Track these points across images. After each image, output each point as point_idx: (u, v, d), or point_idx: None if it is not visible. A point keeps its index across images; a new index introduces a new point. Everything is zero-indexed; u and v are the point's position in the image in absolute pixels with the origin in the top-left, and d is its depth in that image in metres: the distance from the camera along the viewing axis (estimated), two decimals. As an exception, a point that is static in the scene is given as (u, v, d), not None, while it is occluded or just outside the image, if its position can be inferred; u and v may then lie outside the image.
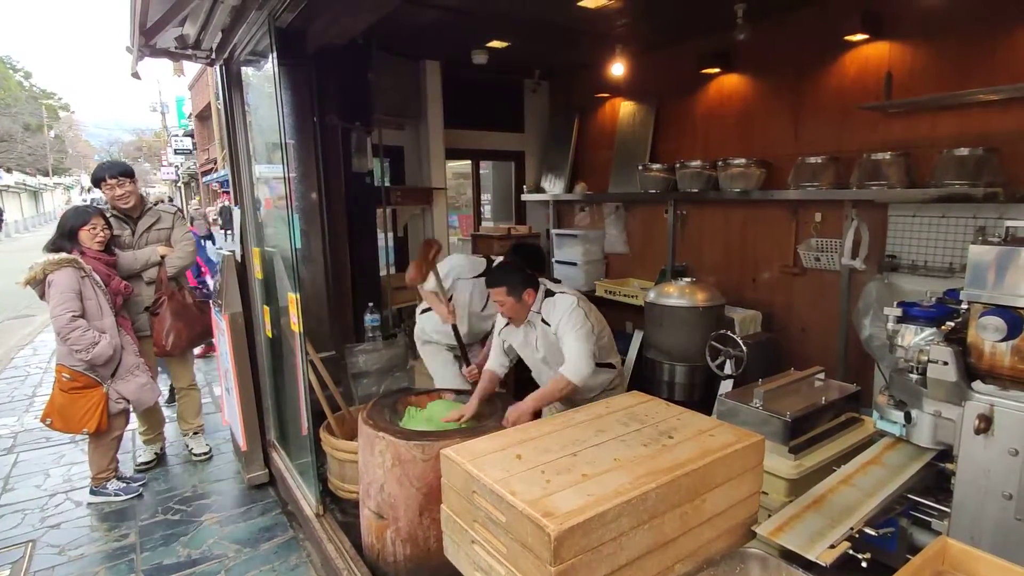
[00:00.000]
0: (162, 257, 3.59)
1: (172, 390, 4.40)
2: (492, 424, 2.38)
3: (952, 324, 1.64)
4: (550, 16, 3.83)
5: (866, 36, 3.32)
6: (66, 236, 3.21)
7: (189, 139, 29.46)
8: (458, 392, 2.89)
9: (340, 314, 4.06)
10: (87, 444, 3.36)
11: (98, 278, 3.17)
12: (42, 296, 3.08)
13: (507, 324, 2.80)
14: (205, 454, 3.88)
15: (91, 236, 3.22)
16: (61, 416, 3.13)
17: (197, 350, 4.24)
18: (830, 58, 3.54)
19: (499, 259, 3.32)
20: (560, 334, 2.59)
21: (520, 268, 2.72)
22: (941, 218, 3.07)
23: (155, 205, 3.78)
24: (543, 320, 2.66)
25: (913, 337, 1.73)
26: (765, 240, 4.02)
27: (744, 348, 3.17)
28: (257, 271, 3.30)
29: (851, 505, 1.54)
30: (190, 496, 3.42)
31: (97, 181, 3.54)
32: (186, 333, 3.63)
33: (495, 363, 2.85)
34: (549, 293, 2.70)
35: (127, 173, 3.57)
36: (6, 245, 23.57)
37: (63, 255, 3.07)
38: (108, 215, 3.47)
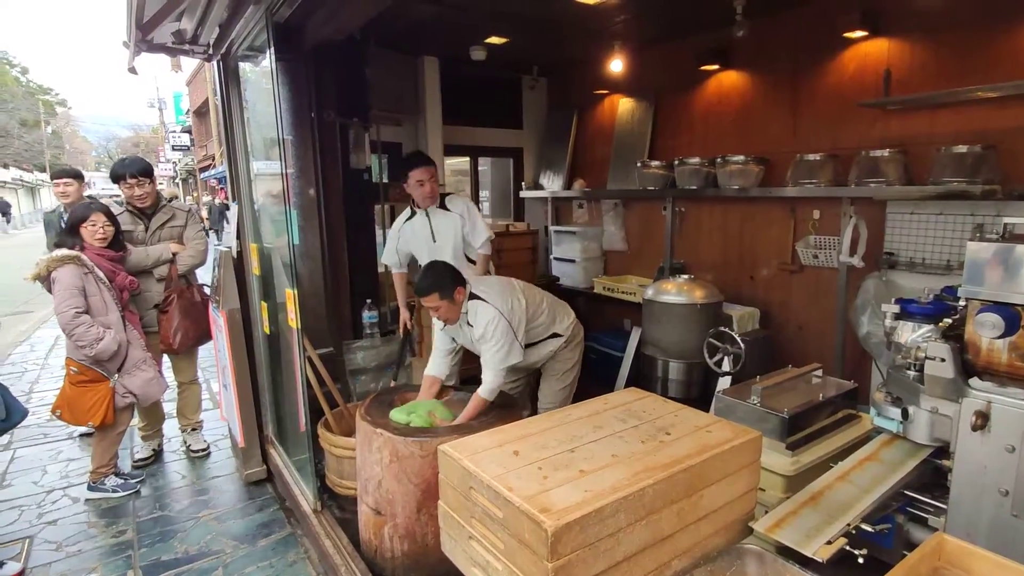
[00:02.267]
0: (174, 255, 3.59)
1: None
2: (488, 421, 2.38)
3: (949, 321, 1.65)
4: (549, 12, 3.82)
5: (865, 33, 3.32)
6: (69, 232, 3.21)
7: (187, 135, 29.41)
8: (456, 389, 2.89)
9: (338, 310, 4.06)
10: (92, 438, 3.36)
11: (102, 274, 3.16)
12: (50, 291, 3.09)
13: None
14: (203, 450, 3.88)
15: (91, 233, 3.20)
16: (70, 408, 3.16)
17: None
18: (829, 55, 3.54)
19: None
20: (480, 346, 2.64)
21: (444, 268, 2.71)
22: (939, 215, 3.07)
23: (169, 202, 3.77)
24: (468, 322, 2.69)
25: (910, 334, 1.73)
26: (763, 237, 4.02)
27: (742, 345, 3.17)
28: (255, 267, 3.29)
29: (848, 501, 1.55)
30: (188, 492, 3.42)
31: (116, 178, 3.54)
32: (193, 331, 3.64)
33: (435, 367, 2.82)
34: (473, 296, 2.69)
35: (147, 172, 3.58)
36: (4, 240, 23.50)
37: (65, 252, 3.07)
38: (123, 210, 3.51)
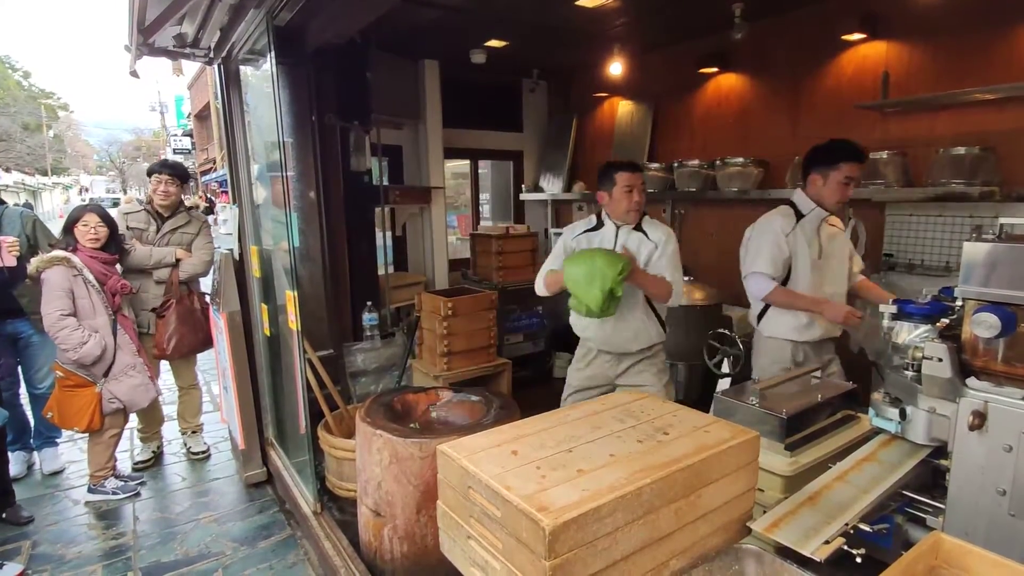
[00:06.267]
0: (177, 260, 3.61)
1: None
2: (488, 422, 2.39)
3: (947, 321, 1.65)
4: (548, 16, 3.84)
5: (863, 36, 3.33)
6: (64, 232, 3.23)
7: (188, 139, 29.52)
8: (456, 391, 2.89)
9: (338, 313, 4.07)
10: (86, 442, 3.36)
11: (92, 277, 3.16)
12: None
13: (587, 231, 2.79)
14: (203, 452, 3.88)
15: (83, 233, 3.20)
16: (59, 411, 3.15)
17: None
18: (827, 57, 3.55)
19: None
20: (665, 259, 2.70)
21: None
22: (938, 217, 3.08)
23: (188, 210, 3.81)
24: (644, 231, 2.73)
25: (908, 335, 1.73)
26: (763, 239, 4.02)
27: (742, 346, 3.18)
28: (255, 269, 3.30)
29: (846, 502, 1.55)
30: (188, 494, 3.42)
31: (151, 172, 3.68)
32: (188, 339, 3.64)
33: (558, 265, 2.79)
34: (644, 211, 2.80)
35: (180, 176, 3.73)
36: (5, 245, 23.52)
37: (56, 253, 3.08)
38: (141, 208, 3.61)
